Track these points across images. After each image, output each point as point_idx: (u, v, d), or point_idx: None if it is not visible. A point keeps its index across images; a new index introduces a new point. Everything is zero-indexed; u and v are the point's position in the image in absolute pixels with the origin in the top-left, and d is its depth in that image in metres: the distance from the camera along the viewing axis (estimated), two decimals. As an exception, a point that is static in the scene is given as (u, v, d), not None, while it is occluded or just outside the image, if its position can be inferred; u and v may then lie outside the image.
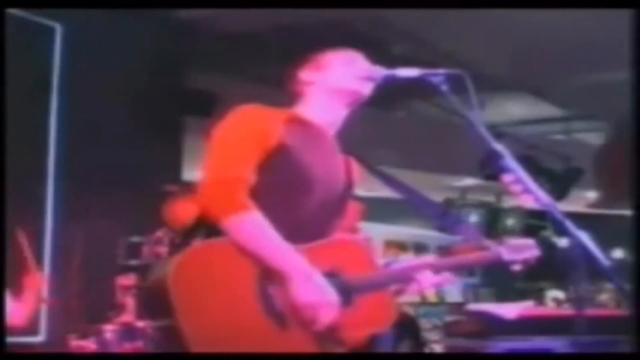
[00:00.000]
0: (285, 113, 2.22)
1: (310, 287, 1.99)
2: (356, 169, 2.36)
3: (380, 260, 2.25)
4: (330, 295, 2.02)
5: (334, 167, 2.25)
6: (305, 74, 2.30)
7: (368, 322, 2.13)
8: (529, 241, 2.27)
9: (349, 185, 2.32)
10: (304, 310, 1.99)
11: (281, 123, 2.14)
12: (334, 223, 2.24)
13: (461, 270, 2.23)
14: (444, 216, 2.29)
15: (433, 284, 2.20)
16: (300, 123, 2.21)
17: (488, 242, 2.23)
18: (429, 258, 2.26)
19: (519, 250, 2.24)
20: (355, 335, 2.11)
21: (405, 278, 2.21)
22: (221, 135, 2.11)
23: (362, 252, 2.19)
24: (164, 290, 1.90)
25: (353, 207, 2.35)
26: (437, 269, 2.22)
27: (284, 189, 2.11)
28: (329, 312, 2.01)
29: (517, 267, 2.23)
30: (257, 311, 1.97)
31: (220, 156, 2.08)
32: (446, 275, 2.22)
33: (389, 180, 2.26)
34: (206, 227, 2.05)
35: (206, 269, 1.95)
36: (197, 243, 2.01)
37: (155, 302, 1.99)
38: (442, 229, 2.23)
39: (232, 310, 1.95)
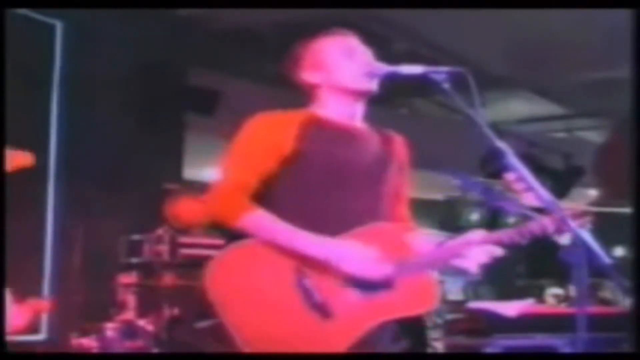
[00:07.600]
0: (302, 115, 2.25)
1: (350, 257, 2.02)
2: (404, 151, 2.36)
3: (423, 244, 2.21)
4: (369, 253, 2.04)
5: (367, 156, 2.24)
6: (308, 76, 2.30)
7: (413, 305, 2.11)
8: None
9: (387, 168, 2.29)
10: (358, 275, 2.03)
11: (296, 128, 2.18)
12: (378, 209, 2.22)
13: (506, 245, 2.07)
14: (487, 192, 2.29)
15: (484, 259, 2.07)
16: (319, 122, 2.23)
17: (536, 215, 2.07)
18: (474, 236, 2.10)
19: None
20: (402, 318, 2.11)
21: (452, 257, 2.10)
22: (234, 145, 2.19)
23: (397, 238, 2.16)
24: (204, 292, 1.99)
25: (403, 196, 2.34)
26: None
27: (314, 187, 2.15)
28: (378, 267, 2.04)
29: (562, 241, 2.02)
30: (297, 305, 2.02)
31: (227, 165, 2.17)
32: (493, 249, 2.07)
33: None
34: (221, 229, 2.14)
35: (243, 270, 2.03)
36: (231, 245, 2.06)
37: (200, 303, 2.09)
38: (486, 206, 2.17)
39: (273, 307, 2.00)
